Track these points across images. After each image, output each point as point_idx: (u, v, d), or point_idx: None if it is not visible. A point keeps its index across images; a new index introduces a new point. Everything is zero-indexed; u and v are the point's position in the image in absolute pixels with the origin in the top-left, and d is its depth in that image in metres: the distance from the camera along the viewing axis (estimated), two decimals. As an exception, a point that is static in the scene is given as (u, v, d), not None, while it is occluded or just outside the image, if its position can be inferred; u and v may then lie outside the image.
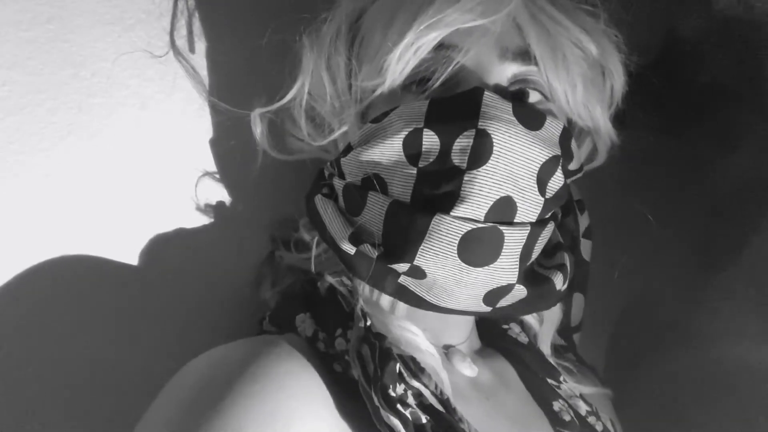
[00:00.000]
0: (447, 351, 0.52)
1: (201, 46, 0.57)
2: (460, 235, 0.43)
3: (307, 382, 0.41)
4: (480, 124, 0.43)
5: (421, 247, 0.44)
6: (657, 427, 0.64)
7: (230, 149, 0.58)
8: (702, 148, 0.64)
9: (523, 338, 0.58)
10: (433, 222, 0.43)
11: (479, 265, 0.44)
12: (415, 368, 0.44)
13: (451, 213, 0.43)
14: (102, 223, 0.53)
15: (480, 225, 0.43)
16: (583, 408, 0.55)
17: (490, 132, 0.43)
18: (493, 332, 0.58)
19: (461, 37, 0.45)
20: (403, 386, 0.42)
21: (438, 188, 0.44)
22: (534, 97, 0.48)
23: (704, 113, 0.62)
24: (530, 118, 0.45)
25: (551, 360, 0.58)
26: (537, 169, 0.45)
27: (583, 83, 0.49)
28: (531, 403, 0.54)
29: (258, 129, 0.54)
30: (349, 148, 0.48)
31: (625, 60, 0.52)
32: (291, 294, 0.53)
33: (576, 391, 0.56)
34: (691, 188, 0.65)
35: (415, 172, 0.45)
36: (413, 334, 0.48)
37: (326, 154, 0.55)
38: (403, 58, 0.45)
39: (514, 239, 0.44)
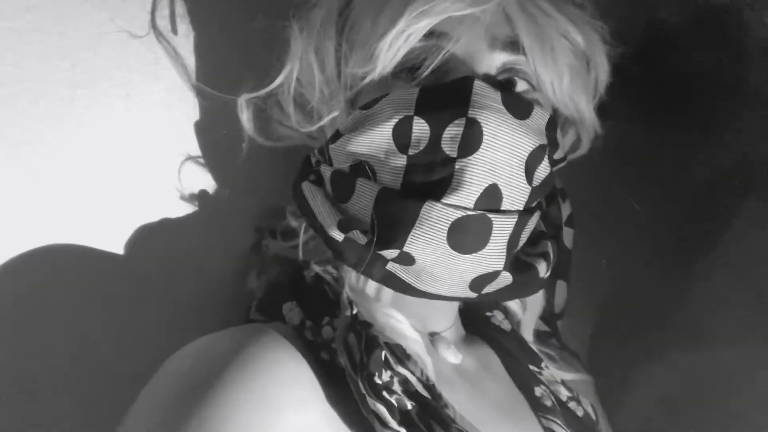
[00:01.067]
0: (432, 338, 0.53)
1: (184, 27, 0.57)
2: (450, 222, 0.43)
3: (296, 370, 0.41)
4: (470, 112, 0.43)
5: (411, 233, 0.44)
6: (642, 412, 0.65)
7: (216, 137, 0.57)
8: (684, 136, 0.64)
9: (506, 325, 0.59)
10: (423, 209, 0.43)
11: (468, 251, 0.45)
12: (401, 355, 0.44)
13: (442, 200, 0.43)
14: (88, 213, 0.53)
15: (470, 213, 0.44)
16: (564, 393, 0.56)
17: (480, 121, 0.43)
18: (477, 320, 0.59)
19: (452, 25, 0.46)
20: (389, 373, 0.43)
21: (428, 176, 0.44)
22: (521, 86, 0.49)
23: (685, 102, 0.63)
24: (518, 107, 0.45)
25: (534, 347, 0.58)
26: (525, 157, 0.45)
27: (569, 73, 0.50)
28: (513, 389, 0.54)
29: (245, 115, 0.53)
30: (337, 135, 0.48)
31: (609, 51, 0.52)
32: (278, 283, 0.53)
33: (557, 377, 0.57)
34: (673, 177, 0.65)
35: (405, 159, 0.45)
36: (398, 321, 0.48)
37: (313, 141, 0.55)
38: (394, 45, 0.46)
39: (502, 227, 0.45)
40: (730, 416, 0.58)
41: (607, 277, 0.71)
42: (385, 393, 0.41)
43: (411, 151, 0.45)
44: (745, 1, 0.56)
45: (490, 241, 0.45)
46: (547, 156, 0.47)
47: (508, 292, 0.49)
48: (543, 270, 0.50)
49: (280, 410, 0.38)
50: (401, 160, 0.45)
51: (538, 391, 0.54)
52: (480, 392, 0.50)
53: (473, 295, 0.48)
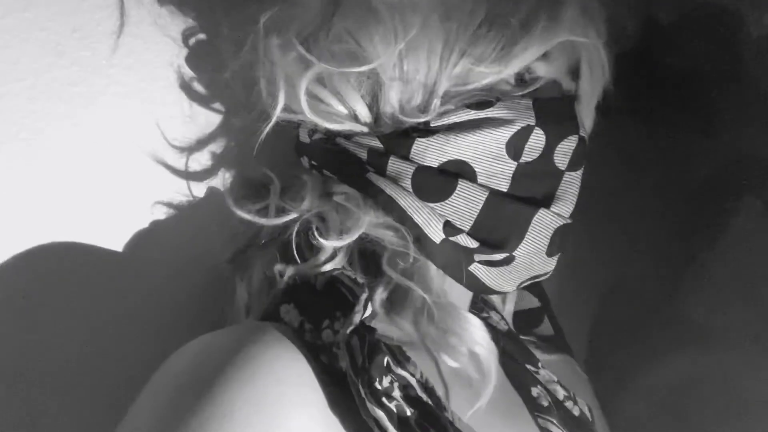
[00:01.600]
0: None
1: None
2: (554, 229, 0.48)
3: (297, 369, 0.41)
4: (581, 132, 0.48)
5: (525, 238, 0.47)
6: (640, 412, 0.65)
7: (216, 135, 0.57)
8: (682, 134, 0.65)
9: (503, 326, 0.59)
10: (537, 215, 0.46)
11: (552, 255, 0.50)
12: (401, 357, 0.44)
13: (551, 208, 0.47)
14: (85, 212, 0.53)
15: (568, 221, 0.49)
16: (560, 393, 0.56)
17: (586, 140, 0.49)
18: None
19: (558, 48, 0.48)
20: (389, 378, 0.42)
21: (535, 184, 0.47)
22: None
23: (683, 99, 0.63)
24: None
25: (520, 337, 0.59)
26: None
27: (596, 94, 0.53)
28: (510, 390, 0.54)
29: (302, 91, 0.46)
30: (429, 130, 0.46)
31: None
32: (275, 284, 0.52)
33: (554, 376, 0.57)
34: (672, 175, 0.66)
35: (514, 165, 0.46)
36: (476, 327, 0.47)
37: (368, 127, 0.48)
38: (537, 50, 0.46)
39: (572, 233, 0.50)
40: (730, 416, 0.58)
41: (605, 276, 0.71)
42: (384, 399, 0.41)
43: (523, 159, 0.46)
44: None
45: (565, 248, 0.50)
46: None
47: (531, 284, 0.53)
48: None
49: (281, 408, 0.38)
50: (510, 166, 0.46)
51: (535, 391, 0.54)
52: (476, 393, 0.49)
53: (513, 289, 0.52)
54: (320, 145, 0.49)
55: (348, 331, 0.43)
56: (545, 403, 0.53)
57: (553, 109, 0.47)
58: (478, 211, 0.46)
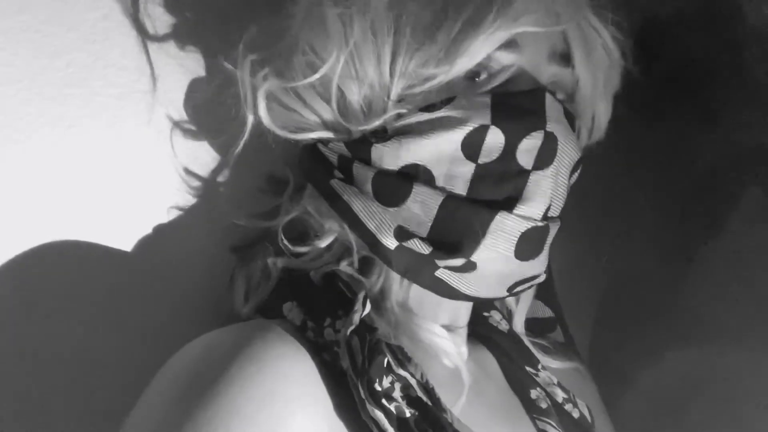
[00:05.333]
0: None
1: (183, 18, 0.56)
2: (520, 233, 0.45)
3: (301, 367, 0.41)
4: (548, 126, 0.44)
5: (482, 243, 0.44)
6: (643, 411, 0.64)
7: (215, 134, 0.57)
8: (683, 129, 0.64)
9: (504, 326, 0.58)
10: (496, 219, 0.44)
11: (528, 259, 0.46)
12: (402, 357, 0.44)
13: (514, 211, 0.44)
14: (81, 214, 0.53)
15: (539, 224, 0.45)
16: (560, 395, 0.55)
17: (556, 135, 0.45)
18: (474, 320, 0.58)
19: (528, 36, 0.45)
20: (390, 378, 0.42)
21: (498, 186, 0.45)
22: (560, 96, 0.49)
23: (682, 91, 0.63)
24: (570, 119, 0.47)
25: (526, 339, 0.58)
26: (571, 169, 0.47)
27: (602, 85, 0.51)
28: (509, 391, 0.54)
29: (262, 104, 0.47)
30: (386, 135, 0.46)
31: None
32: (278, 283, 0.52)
33: (554, 378, 0.56)
34: (673, 170, 0.65)
35: (473, 167, 0.44)
36: (439, 336, 0.48)
37: (334, 134, 0.49)
38: (484, 47, 0.44)
39: (551, 234, 0.47)
40: (734, 415, 0.57)
41: (607, 273, 0.70)
42: (384, 401, 0.41)
43: (481, 160, 0.44)
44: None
45: (542, 249, 0.47)
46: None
47: (530, 287, 0.51)
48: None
49: (286, 405, 0.38)
50: (468, 168, 0.44)
51: (534, 393, 0.54)
52: (477, 394, 0.49)
53: (506, 294, 0.49)
54: (304, 151, 0.51)
55: (348, 332, 0.43)
56: (544, 405, 0.53)
57: (514, 104, 0.45)
58: (433, 215, 0.45)
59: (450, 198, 0.45)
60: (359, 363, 0.41)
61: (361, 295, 0.45)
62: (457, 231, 0.45)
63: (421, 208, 0.45)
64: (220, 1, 0.57)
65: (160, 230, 0.56)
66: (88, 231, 0.53)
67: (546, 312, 0.63)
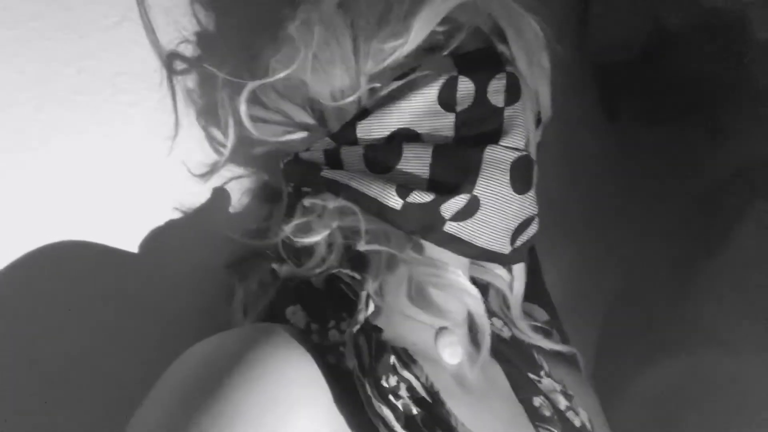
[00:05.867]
0: (438, 331, 0.52)
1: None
2: (510, 163, 0.49)
3: (306, 370, 0.41)
4: (507, 68, 0.50)
5: (480, 175, 0.48)
6: (644, 416, 0.64)
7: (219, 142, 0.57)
8: (690, 137, 0.64)
9: (506, 333, 0.59)
10: (486, 151, 0.48)
11: (522, 191, 0.50)
12: (406, 359, 0.44)
13: (500, 143, 0.49)
14: (91, 219, 0.53)
15: (523, 153, 0.50)
16: (562, 403, 0.56)
17: (516, 74, 0.51)
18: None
19: (462, 10, 0.50)
20: (395, 378, 0.43)
21: (480, 127, 0.49)
22: None
23: (691, 103, 0.63)
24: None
25: (524, 322, 0.59)
26: (535, 113, 0.53)
27: (536, 61, 0.54)
28: (512, 398, 0.54)
29: (243, 107, 0.51)
30: (365, 112, 0.50)
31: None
32: (281, 288, 0.53)
33: (557, 386, 0.57)
34: (679, 178, 0.65)
35: (453, 117, 0.49)
36: (461, 276, 0.50)
37: (316, 130, 0.53)
38: (429, 18, 0.49)
39: (536, 170, 0.52)
40: (739, 424, 0.57)
41: (612, 283, 0.70)
42: (391, 397, 0.41)
43: (459, 108, 0.49)
44: (746, 1, 0.56)
45: (531, 182, 0.51)
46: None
47: (527, 247, 0.54)
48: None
49: (291, 408, 0.38)
50: (449, 118, 0.49)
51: (537, 400, 0.54)
52: (479, 400, 0.50)
53: (510, 250, 0.51)
54: (289, 164, 0.54)
55: (354, 331, 0.44)
56: (547, 413, 0.53)
57: (474, 56, 0.50)
58: (428, 166, 0.48)
59: (440, 146, 0.49)
60: (366, 360, 0.42)
61: (363, 295, 0.46)
62: (453, 172, 0.48)
63: (414, 163, 0.49)
64: (229, 12, 0.58)
65: (165, 237, 0.56)
66: (97, 235, 0.53)
67: (542, 315, 0.63)
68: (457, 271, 0.49)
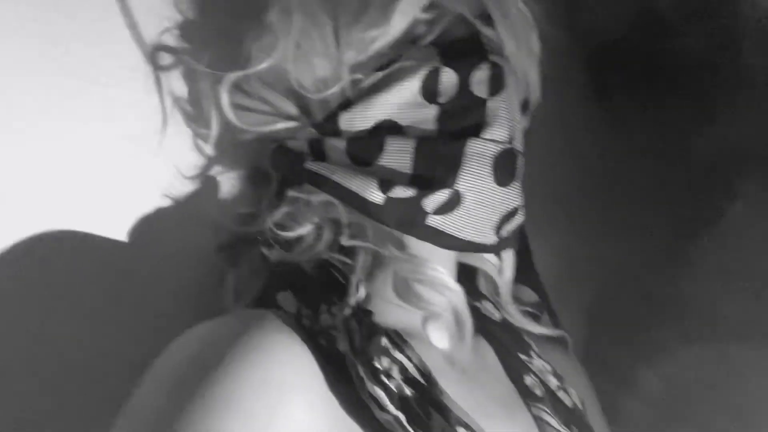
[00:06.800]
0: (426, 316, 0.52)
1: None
2: (493, 157, 0.48)
3: (298, 354, 0.41)
4: (491, 57, 0.49)
5: (461, 169, 0.48)
6: (641, 410, 0.65)
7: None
8: (679, 118, 0.64)
9: (497, 315, 0.59)
10: (468, 145, 0.48)
11: (505, 184, 0.50)
12: (398, 341, 0.45)
13: (482, 136, 0.48)
14: (78, 204, 0.53)
15: (506, 146, 0.49)
16: (553, 383, 0.56)
17: (500, 64, 0.49)
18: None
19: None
20: (388, 359, 0.43)
21: (462, 119, 0.49)
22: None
23: (680, 84, 0.63)
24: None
25: (514, 308, 0.59)
26: (521, 102, 0.52)
27: (524, 44, 0.53)
28: (504, 378, 0.55)
29: (225, 98, 0.52)
30: (348, 103, 0.50)
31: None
32: (272, 274, 0.53)
33: (547, 366, 0.57)
34: (668, 160, 0.65)
35: (435, 108, 0.48)
36: (439, 271, 0.50)
37: (300, 120, 0.53)
38: (415, 4, 0.48)
39: (521, 161, 0.51)
40: (736, 413, 0.58)
41: (602, 268, 0.70)
42: (384, 378, 0.41)
43: (441, 99, 0.48)
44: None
45: (515, 174, 0.51)
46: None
47: (515, 236, 0.54)
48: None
49: (284, 392, 0.39)
50: (431, 109, 0.48)
51: (529, 380, 0.55)
52: (471, 381, 0.50)
53: (495, 240, 0.51)
54: (276, 153, 0.54)
55: (346, 314, 0.44)
56: (538, 392, 0.54)
57: (457, 46, 0.49)
58: (411, 160, 0.48)
59: (422, 140, 0.48)
60: (357, 343, 0.43)
61: (354, 278, 0.47)
62: (435, 166, 0.48)
63: (397, 157, 0.48)
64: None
65: (155, 224, 0.56)
66: (86, 221, 0.53)
67: (531, 296, 0.63)
68: (437, 267, 0.49)
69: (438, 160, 0.48)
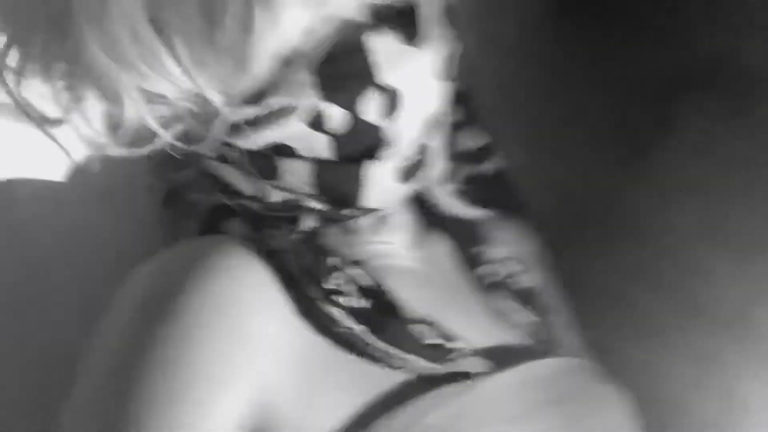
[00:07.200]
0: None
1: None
2: (394, 172, 0.45)
3: (258, 274, 0.42)
4: (377, 80, 0.42)
5: (364, 191, 0.45)
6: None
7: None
8: (639, 24, 0.63)
9: (448, 209, 0.57)
10: (366, 168, 0.44)
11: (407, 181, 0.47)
12: (348, 257, 0.45)
13: (381, 157, 0.44)
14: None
15: (409, 162, 0.46)
16: (511, 268, 0.56)
17: (391, 83, 0.42)
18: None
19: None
20: (340, 274, 0.43)
21: (359, 143, 0.44)
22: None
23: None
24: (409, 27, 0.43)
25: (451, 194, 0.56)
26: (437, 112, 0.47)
27: None
28: (457, 272, 0.55)
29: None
30: (236, 127, 0.42)
31: None
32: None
33: (504, 252, 0.56)
34: (621, 67, 0.63)
35: (327, 138, 0.43)
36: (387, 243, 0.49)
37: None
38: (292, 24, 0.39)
39: (426, 166, 0.48)
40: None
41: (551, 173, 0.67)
42: (336, 297, 0.42)
43: (332, 131, 0.43)
44: None
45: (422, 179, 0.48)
46: None
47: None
48: None
49: (244, 310, 0.39)
50: (323, 139, 0.43)
51: (484, 269, 0.55)
52: (425, 280, 0.51)
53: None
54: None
55: (295, 236, 0.44)
56: (495, 279, 0.54)
57: (338, 71, 0.41)
58: (309, 183, 0.44)
59: (318, 164, 0.44)
60: (307, 264, 0.43)
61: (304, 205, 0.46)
62: (336, 190, 0.45)
63: (295, 179, 0.44)
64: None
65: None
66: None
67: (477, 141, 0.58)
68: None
69: (337, 185, 0.44)
